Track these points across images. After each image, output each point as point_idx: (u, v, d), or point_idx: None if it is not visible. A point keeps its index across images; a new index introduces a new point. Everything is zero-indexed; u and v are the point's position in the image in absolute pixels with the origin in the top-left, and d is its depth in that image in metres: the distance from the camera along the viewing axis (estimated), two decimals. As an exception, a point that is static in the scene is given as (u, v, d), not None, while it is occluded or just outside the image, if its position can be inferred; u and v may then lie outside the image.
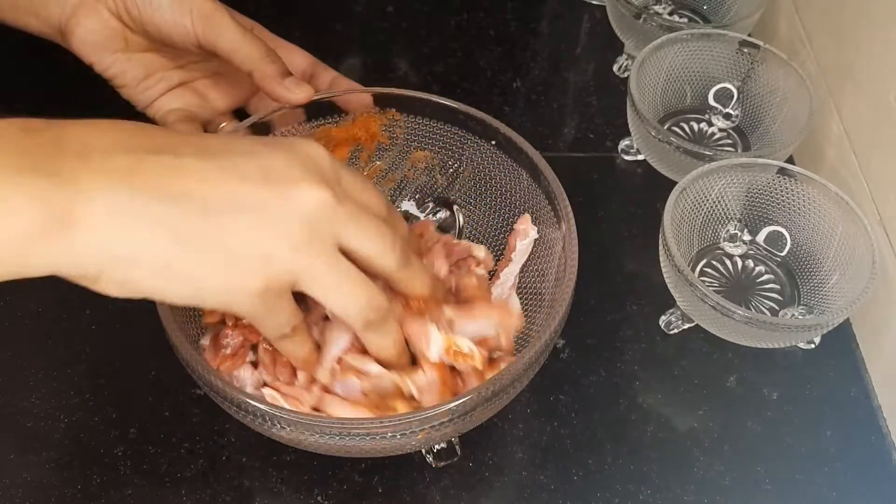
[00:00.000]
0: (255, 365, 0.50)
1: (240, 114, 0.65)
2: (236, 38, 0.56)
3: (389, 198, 0.61)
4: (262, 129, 0.57)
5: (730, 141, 0.72)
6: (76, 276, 0.36)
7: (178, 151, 0.37)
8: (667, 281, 0.58)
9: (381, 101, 0.58)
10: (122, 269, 0.36)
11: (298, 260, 0.38)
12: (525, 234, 0.56)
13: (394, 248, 0.42)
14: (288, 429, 0.44)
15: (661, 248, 0.58)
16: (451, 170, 0.60)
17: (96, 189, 0.35)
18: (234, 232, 0.37)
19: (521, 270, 0.57)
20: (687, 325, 0.60)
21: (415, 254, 0.46)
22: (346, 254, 0.40)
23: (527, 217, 0.57)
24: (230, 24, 0.56)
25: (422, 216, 0.61)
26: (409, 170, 0.60)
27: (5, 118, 0.36)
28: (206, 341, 0.50)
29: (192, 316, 0.52)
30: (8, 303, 0.60)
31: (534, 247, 0.57)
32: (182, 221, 0.36)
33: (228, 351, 0.49)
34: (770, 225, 0.63)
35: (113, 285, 0.36)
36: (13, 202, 0.33)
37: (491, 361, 0.49)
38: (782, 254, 0.63)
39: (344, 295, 0.40)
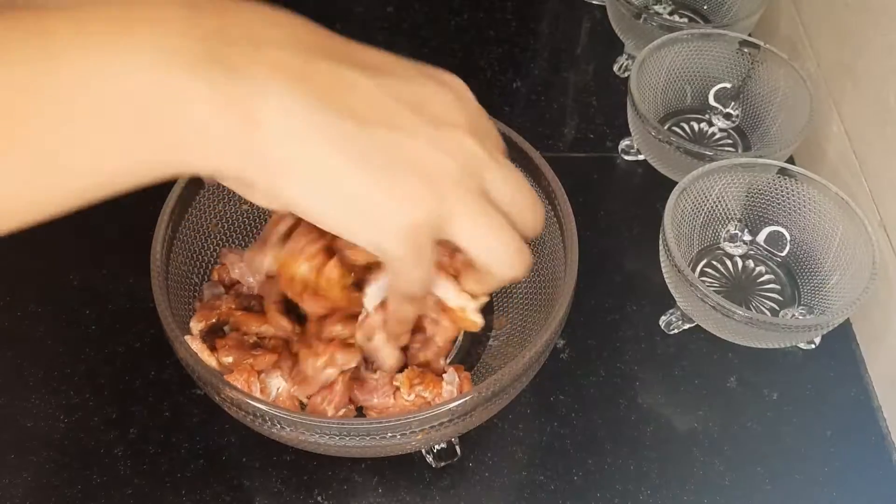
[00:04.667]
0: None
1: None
2: None
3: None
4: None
5: (730, 141, 0.72)
6: (234, 177, 0.33)
7: (343, 60, 0.35)
8: (667, 281, 0.58)
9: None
10: (284, 176, 0.33)
11: (458, 197, 0.36)
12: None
13: (536, 208, 0.40)
14: (288, 429, 0.44)
15: (661, 248, 0.58)
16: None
17: (273, 86, 0.32)
18: (402, 162, 0.35)
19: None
20: (687, 326, 0.60)
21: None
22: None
23: None
24: None
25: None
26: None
27: None
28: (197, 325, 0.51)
29: (192, 315, 0.52)
30: (8, 303, 0.60)
31: (534, 247, 0.57)
32: (353, 137, 0.33)
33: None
34: (770, 225, 0.63)
35: (266, 194, 0.34)
36: (189, 92, 0.31)
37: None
38: (783, 254, 0.63)
39: (495, 241, 0.37)
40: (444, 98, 0.37)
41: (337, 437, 0.44)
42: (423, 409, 0.45)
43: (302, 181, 0.34)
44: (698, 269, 0.64)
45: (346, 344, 0.48)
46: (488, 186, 0.37)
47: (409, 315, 0.43)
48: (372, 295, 0.46)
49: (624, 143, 0.72)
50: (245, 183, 0.34)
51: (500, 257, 0.38)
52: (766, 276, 0.63)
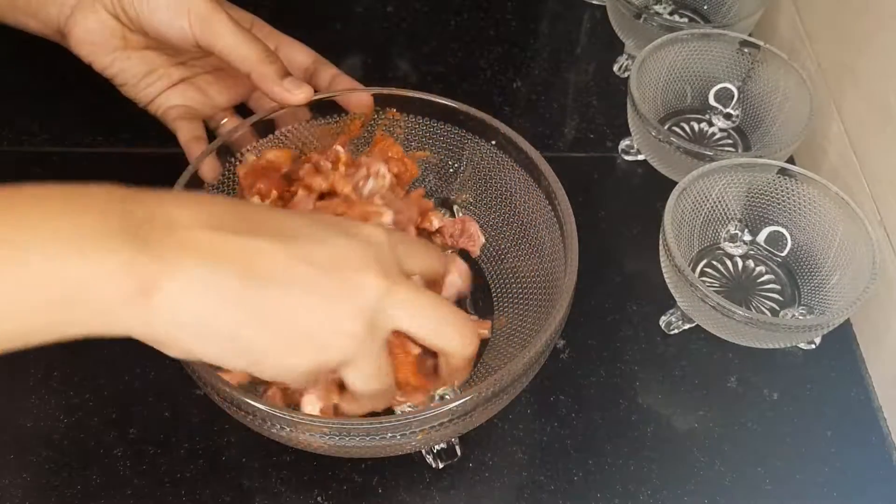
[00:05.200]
0: None
1: (241, 109, 0.65)
2: (234, 40, 0.56)
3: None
4: (265, 127, 0.57)
5: (730, 141, 0.72)
6: (147, 340, 0.38)
7: (257, 233, 0.40)
8: (667, 281, 0.58)
9: (381, 101, 0.58)
10: (192, 338, 0.38)
11: (353, 350, 0.41)
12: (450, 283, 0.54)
13: (448, 330, 0.45)
14: (287, 429, 0.44)
15: (661, 248, 0.57)
16: (451, 170, 0.60)
17: (181, 263, 0.37)
18: (302, 316, 0.40)
19: (521, 272, 0.57)
20: (687, 326, 0.60)
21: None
22: (404, 331, 0.43)
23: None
24: (228, 25, 0.56)
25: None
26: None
27: (88, 184, 0.38)
28: None
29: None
30: (8, 303, 0.60)
31: (534, 247, 0.57)
32: (257, 301, 0.38)
33: None
34: (770, 225, 0.63)
35: (178, 351, 0.39)
36: (108, 266, 0.35)
37: None
38: (783, 254, 0.63)
39: (373, 387, 0.44)
40: (357, 247, 0.42)
41: (337, 437, 0.44)
42: (423, 409, 0.45)
43: (208, 341, 0.39)
44: (698, 269, 0.64)
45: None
46: (398, 324, 0.42)
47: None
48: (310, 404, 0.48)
49: (624, 143, 0.72)
50: (156, 342, 0.39)
51: (370, 399, 0.45)
52: (766, 276, 0.63)
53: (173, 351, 0.39)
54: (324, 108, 0.58)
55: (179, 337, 0.38)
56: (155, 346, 0.39)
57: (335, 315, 0.40)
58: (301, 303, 0.39)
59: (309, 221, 0.43)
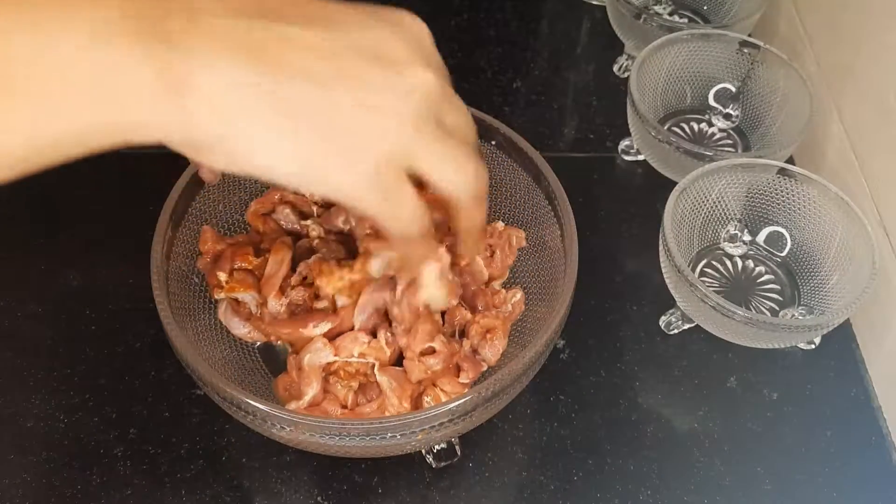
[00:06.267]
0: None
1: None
2: None
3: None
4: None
5: (730, 141, 0.72)
6: (183, 145, 0.35)
7: (287, 19, 0.36)
8: (667, 281, 0.58)
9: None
10: (233, 142, 0.34)
11: (411, 136, 0.37)
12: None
13: (475, 141, 0.43)
14: (287, 429, 0.44)
15: (661, 248, 0.58)
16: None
17: (212, 56, 0.33)
18: (349, 108, 0.36)
19: (521, 272, 0.57)
20: (687, 326, 0.60)
21: None
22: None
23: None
24: None
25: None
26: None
27: None
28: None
29: (192, 315, 0.52)
30: (8, 303, 0.60)
31: (534, 247, 0.57)
32: (298, 97, 0.35)
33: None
34: (770, 225, 0.63)
35: (221, 158, 0.35)
36: (125, 63, 0.32)
37: None
38: (782, 254, 0.63)
39: (455, 168, 0.39)
40: (402, 40, 0.39)
41: (337, 437, 0.44)
42: (423, 409, 0.45)
43: (252, 146, 0.35)
44: (698, 269, 0.64)
45: None
46: (444, 117, 0.39)
47: (417, 256, 0.44)
48: (377, 267, 0.47)
49: (624, 143, 0.72)
50: (195, 147, 0.35)
51: (460, 184, 0.40)
52: (766, 277, 0.63)
53: (216, 160, 0.35)
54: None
55: (220, 143, 0.34)
56: (193, 155, 0.35)
57: (383, 103, 0.36)
58: (345, 96, 0.36)
59: (344, 7, 0.39)
